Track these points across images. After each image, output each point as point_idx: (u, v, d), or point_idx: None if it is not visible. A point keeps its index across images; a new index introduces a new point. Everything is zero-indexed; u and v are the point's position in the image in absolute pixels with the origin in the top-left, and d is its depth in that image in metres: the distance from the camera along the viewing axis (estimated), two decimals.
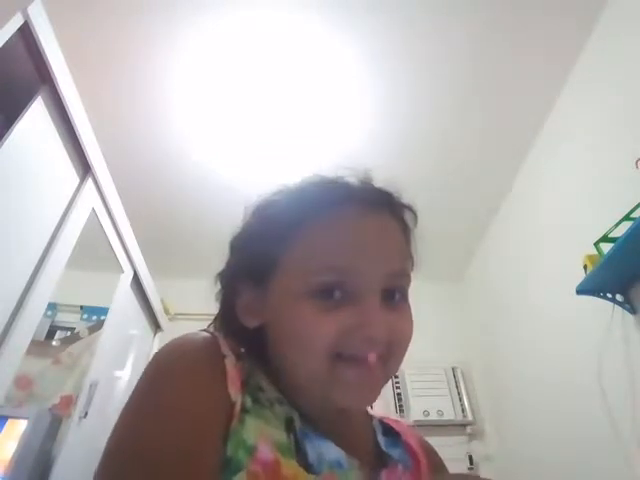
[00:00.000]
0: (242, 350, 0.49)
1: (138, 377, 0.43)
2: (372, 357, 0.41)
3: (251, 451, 0.38)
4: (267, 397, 0.44)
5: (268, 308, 0.47)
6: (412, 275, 0.49)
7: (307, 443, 0.42)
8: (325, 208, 0.46)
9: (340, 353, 0.42)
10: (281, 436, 0.41)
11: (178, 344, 0.44)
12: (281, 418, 0.43)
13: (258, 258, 0.47)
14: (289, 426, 0.43)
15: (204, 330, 0.48)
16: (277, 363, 0.47)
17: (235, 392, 0.41)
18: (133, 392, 0.41)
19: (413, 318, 0.47)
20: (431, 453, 0.58)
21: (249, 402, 0.41)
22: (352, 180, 0.51)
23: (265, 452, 0.38)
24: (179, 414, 0.37)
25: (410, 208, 0.52)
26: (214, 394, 0.40)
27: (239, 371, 0.43)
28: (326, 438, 0.44)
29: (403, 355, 0.46)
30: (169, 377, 0.40)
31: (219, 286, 0.53)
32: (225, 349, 0.44)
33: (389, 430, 0.55)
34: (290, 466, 0.39)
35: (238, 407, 0.40)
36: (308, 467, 0.41)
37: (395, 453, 0.51)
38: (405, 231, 0.50)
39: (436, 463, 0.57)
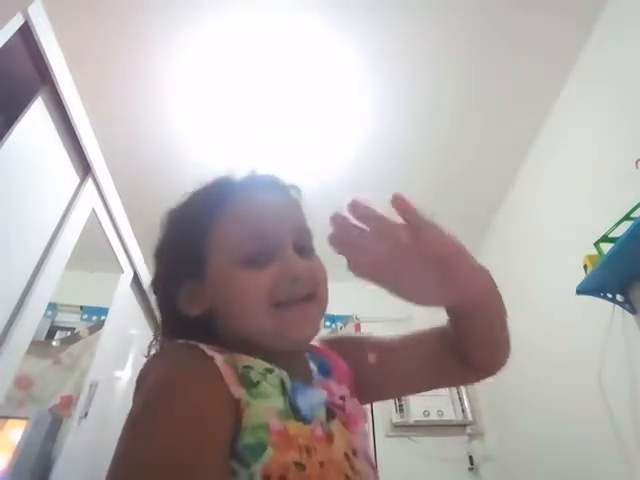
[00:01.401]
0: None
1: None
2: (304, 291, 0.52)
3: (267, 428, 0.43)
4: (258, 372, 0.47)
5: (209, 290, 0.53)
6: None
7: (299, 397, 0.48)
8: (232, 196, 0.56)
9: (278, 301, 0.50)
10: (280, 404, 0.46)
11: (168, 361, 0.47)
12: (276, 384, 0.48)
13: (189, 254, 0.54)
14: (283, 388, 0.48)
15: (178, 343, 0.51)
16: (231, 337, 0.52)
17: (235, 388, 0.44)
18: (133, 411, 0.42)
19: (323, 265, 0.57)
20: (340, 343, 0.66)
21: (245, 394, 0.45)
22: (243, 174, 0.62)
23: (275, 424, 0.44)
24: (182, 432, 0.40)
25: (294, 185, 0.62)
26: (216, 402, 0.43)
27: (229, 365, 0.46)
28: (310, 387, 0.52)
29: (326, 291, 0.55)
30: (170, 395, 0.42)
31: (156, 294, 0.58)
32: (208, 350, 0.46)
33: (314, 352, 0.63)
34: (293, 426, 0.45)
35: (244, 400, 0.43)
36: (304, 420, 0.47)
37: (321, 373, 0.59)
38: (296, 201, 0.60)
39: (348, 344, 0.67)
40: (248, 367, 0.47)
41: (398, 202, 0.42)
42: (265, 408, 0.44)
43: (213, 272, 0.53)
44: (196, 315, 0.53)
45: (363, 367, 0.61)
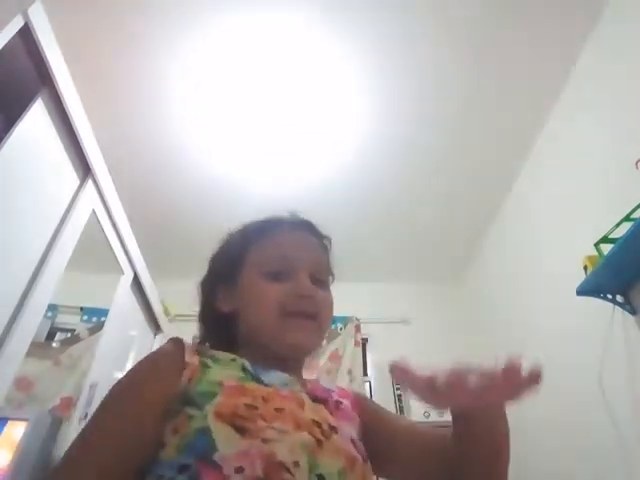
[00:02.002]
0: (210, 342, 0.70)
1: None
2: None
3: (220, 385, 0.53)
4: (223, 358, 0.60)
5: (238, 292, 0.67)
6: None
7: (261, 374, 0.59)
8: (270, 228, 0.71)
9: (287, 311, 0.62)
10: (240, 374, 0.58)
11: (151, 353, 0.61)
12: (238, 367, 0.59)
13: (231, 262, 0.70)
14: (244, 370, 0.59)
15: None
16: (246, 332, 0.66)
17: (190, 357, 0.57)
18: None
19: (332, 299, 0.70)
20: (361, 398, 0.73)
21: (209, 361, 0.58)
22: (286, 214, 0.76)
23: (230, 383, 0.54)
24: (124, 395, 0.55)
25: (327, 236, 0.76)
26: (167, 366, 0.56)
27: (194, 349, 0.60)
28: (275, 371, 0.61)
29: (328, 317, 0.67)
30: (141, 367, 0.58)
31: (200, 290, 0.73)
32: (186, 343, 0.60)
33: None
34: (251, 385, 0.56)
35: (196, 363, 0.56)
36: (266, 384, 0.57)
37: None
38: (323, 245, 0.75)
39: (367, 404, 0.73)
40: (214, 353, 0.61)
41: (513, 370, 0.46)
42: (223, 373, 0.56)
43: (243, 279, 0.68)
44: (226, 312, 0.68)
45: (368, 421, 0.66)
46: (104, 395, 0.55)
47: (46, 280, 1.21)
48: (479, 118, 2.11)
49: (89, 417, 0.53)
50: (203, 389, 0.52)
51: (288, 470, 0.46)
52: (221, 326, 0.69)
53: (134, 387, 0.55)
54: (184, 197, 2.49)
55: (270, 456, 0.46)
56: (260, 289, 0.65)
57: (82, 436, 0.51)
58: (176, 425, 0.49)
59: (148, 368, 0.57)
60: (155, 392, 0.53)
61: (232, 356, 0.61)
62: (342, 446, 0.53)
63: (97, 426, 0.52)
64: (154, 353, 0.59)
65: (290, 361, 0.65)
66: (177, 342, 0.60)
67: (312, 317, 0.63)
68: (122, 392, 0.55)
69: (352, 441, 0.56)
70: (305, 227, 0.74)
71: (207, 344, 0.71)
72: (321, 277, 0.69)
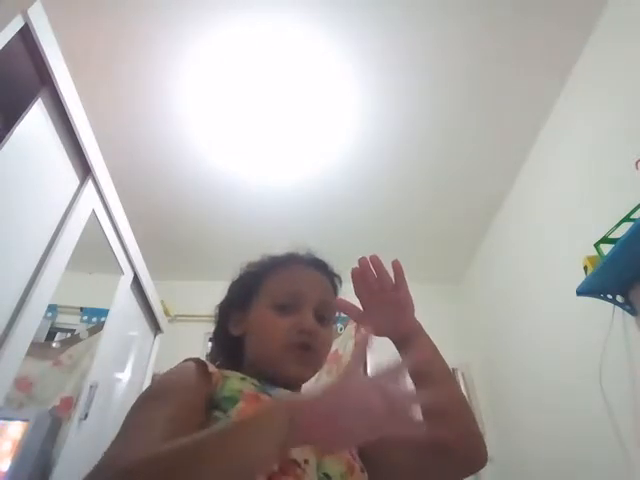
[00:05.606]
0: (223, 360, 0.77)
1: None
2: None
3: (240, 391, 0.60)
4: (233, 376, 0.65)
5: (248, 320, 0.75)
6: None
7: (268, 389, 0.65)
8: (285, 263, 0.79)
9: (288, 344, 0.69)
10: (252, 387, 0.63)
11: (176, 367, 0.65)
12: (249, 382, 0.64)
13: (246, 290, 0.78)
14: (255, 385, 0.64)
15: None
16: (251, 356, 0.73)
17: (213, 370, 0.62)
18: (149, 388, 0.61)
19: (332, 338, 0.78)
20: None
21: (227, 373, 0.64)
22: (302, 251, 0.82)
23: (248, 391, 0.61)
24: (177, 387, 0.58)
25: (337, 275, 0.83)
26: (196, 374, 0.60)
27: (214, 366, 0.64)
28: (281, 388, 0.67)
29: (324, 352, 0.74)
30: (170, 374, 0.62)
31: (217, 312, 0.81)
32: (206, 362, 0.64)
33: None
34: (263, 396, 0.62)
35: (218, 374, 0.62)
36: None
37: None
38: (332, 284, 0.81)
39: None
40: (225, 372, 0.65)
41: (396, 265, 0.72)
42: (240, 384, 0.62)
43: (254, 308, 0.75)
44: (236, 335, 0.75)
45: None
46: (142, 396, 0.57)
47: (46, 280, 1.20)
48: (479, 117, 2.10)
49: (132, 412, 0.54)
50: (227, 394, 0.59)
51: (299, 465, 0.54)
52: (230, 347, 0.76)
53: (183, 379, 0.59)
54: (184, 197, 2.49)
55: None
56: (268, 320, 0.71)
57: (136, 425, 0.51)
58: (202, 425, 0.54)
59: (185, 370, 0.61)
60: (200, 387, 0.58)
61: (242, 375, 0.65)
62: (343, 455, 0.61)
63: (155, 412, 0.53)
64: (181, 366, 0.63)
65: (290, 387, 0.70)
66: (195, 359, 0.64)
67: (310, 350, 0.69)
68: (173, 382, 0.59)
69: (351, 454, 0.63)
70: (318, 266, 0.80)
71: (217, 362, 0.77)
72: (325, 314, 0.74)
